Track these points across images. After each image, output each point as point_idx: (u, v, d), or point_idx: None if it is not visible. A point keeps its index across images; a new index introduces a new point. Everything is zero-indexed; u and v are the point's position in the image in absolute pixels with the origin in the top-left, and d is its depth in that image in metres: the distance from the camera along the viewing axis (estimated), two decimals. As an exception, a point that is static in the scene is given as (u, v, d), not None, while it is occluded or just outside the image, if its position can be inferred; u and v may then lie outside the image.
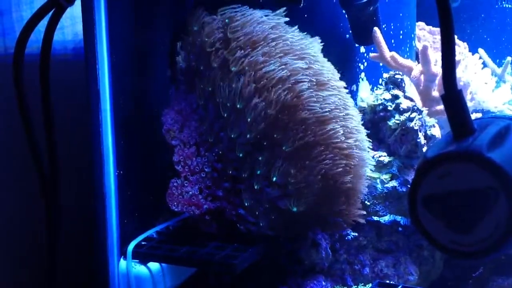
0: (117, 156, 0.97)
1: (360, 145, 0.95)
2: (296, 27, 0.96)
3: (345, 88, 0.99)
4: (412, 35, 1.28)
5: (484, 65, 1.57)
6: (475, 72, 1.15)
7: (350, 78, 1.08)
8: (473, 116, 1.09)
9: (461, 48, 1.68)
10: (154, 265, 1.02)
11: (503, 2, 1.64)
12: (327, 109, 0.90)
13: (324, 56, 0.98)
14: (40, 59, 0.90)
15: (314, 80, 0.90)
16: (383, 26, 1.11)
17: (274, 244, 0.98)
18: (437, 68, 1.06)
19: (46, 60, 0.90)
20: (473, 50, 1.61)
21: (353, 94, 1.10)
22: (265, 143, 0.92)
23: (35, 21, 0.89)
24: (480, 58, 1.61)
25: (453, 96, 0.67)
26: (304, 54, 0.92)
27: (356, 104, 1.08)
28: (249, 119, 0.91)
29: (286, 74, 0.89)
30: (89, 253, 1.01)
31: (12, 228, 1.03)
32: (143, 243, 1.02)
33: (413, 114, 0.99)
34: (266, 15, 0.95)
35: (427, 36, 1.72)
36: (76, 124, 1.01)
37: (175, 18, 1.04)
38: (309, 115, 0.88)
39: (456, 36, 1.62)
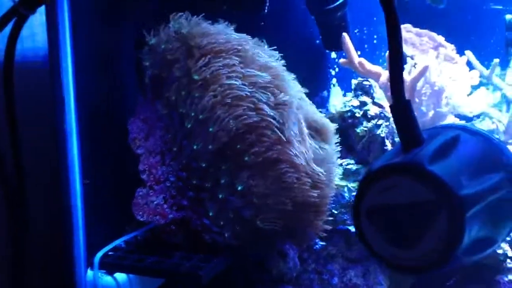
0: (83, 165, 0.98)
1: (328, 159, 0.95)
2: (257, 39, 0.97)
3: (317, 95, 1.00)
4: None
5: (471, 67, 1.57)
6: (451, 77, 1.15)
7: (321, 84, 1.09)
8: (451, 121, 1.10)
9: (448, 50, 1.68)
10: (121, 276, 1.03)
11: (491, 4, 1.64)
12: (290, 129, 0.90)
13: (294, 62, 0.99)
14: (3, 68, 0.92)
15: (277, 99, 0.91)
16: (356, 31, 1.11)
17: (240, 254, 0.98)
18: (405, 74, 1.06)
19: (9, 69, 0.92)
20: (460, 52, 1.61)
21: (325, 100, 1.11)
22: (228, 153, 0.93)
23: None
24: (468, 60, 1.62)
25: (400, 107, 0.68)
26: (267, 67, 0.92)
27: (327, 110, 1.09)
28: (211, 130, 0.91)
29: (249, 90, 0.89)
30: (56, 263, 1.02)
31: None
32: (110, 253, 1.04)
33: (380, 121, 1.00)
34: (228, 26, 0.96)
35: (413, 39, 1.72)
36: (45, 133, 1.02)
37: (140, 24, 1.05)
38: (272, 133, 0.89)
39: (443, 38, 1.63)
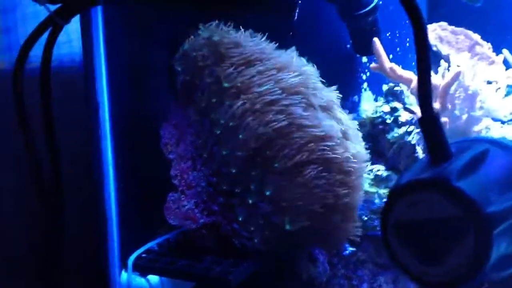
0: (118, 170, 1.02)
1: (359, 161, 0.96)
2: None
3: (347, 99, 1.01)
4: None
5: (508, 66, 1.54)
6: (486, 77, 1.14)
7: (351, 88, 1.09)
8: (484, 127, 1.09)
9: (484, 48, 1.66)
10: (153, 278, 1.06)
11: (529, 1, 1.61)
12: (320, 130, 0.91)
13: (324, 67, 1.00)
14: (40, 75, 0.95)
15: (309, 101, 0.92)
16: (387, 35, 1.11)
17: (270, 258, 1.00)
18: (436, 79, 1.06)
19: (46, 76, 0.95)
20: (497, 50, 1.59)
21: (355, 105, 1.11)
22: (258, 159, 0.94)
23: (33, 39, 0.95)
24: (505, 58, 1.59)
25: (429, 120, 0.68)
26: (300, 74, 0.94)
27: (358, 114, 1.09)
28: (240, 137, 0.93)
29: (279, 94, 0.91)
30: (91, 266, 1.06)
31: (14, 237, 1.08)
32: (143, 255, 1.06)
33: (411, 128, 0.99)
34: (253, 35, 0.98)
35: (449, 37, 1.71)
36: (81, 137, 1.05)
37: (172, 31, 1.07)
38: (303, 135, 0.90)
39: (479, 36, 1.61)
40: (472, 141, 0.74)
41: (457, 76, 1.06)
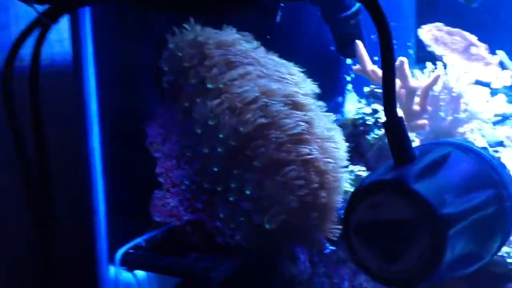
0: (106, 167, 1.05)
1: (338, 162, 0.99)
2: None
3: (332, 100, 1.04)
4: (409, 44, 1.30)
5: (503, 67, 1.56)
6: (470, 82, 1.17)
7: (336, 89, 1.12)
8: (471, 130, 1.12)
9: (480, 49, 1.67)
10: (140, 273, 1.10)
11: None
12: (300, 129, 0.95)
13: (309, 68, 1.03)
14: (30, 74, 0.98)
15: (289, 101, 0.95)
16: (372, 37, 1.14)
17: (252, 256, 1.03)
18: (416, 82, 1.09)
19: (35, 76, 0.98)
20: (493, 52, 1.61)
21: (339, 106, 1.14)
22: (238, 157, 0.98)
23: (23, 39, 0.97)
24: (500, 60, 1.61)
25: (393, 124, 0.71)
26: (280, 76, 0.97)
27: (343, 115, 1.12)
28: (220, 136, 0.97)
29: (259, 95, 0.94)
30: (80, 260, 1.09)
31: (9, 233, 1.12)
32: (131, 251, 1.10)
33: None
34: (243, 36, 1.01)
35: (445, 37, 1.73)
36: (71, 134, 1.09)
37: (159, 32, 1.10)
38: (281, 134, 0.93)
39: (475, 37, 1.64)
40: (437, 144, 0.77)
41: (436, 79, 1.09)
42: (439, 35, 1.72)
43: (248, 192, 0.98)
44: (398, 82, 1.09)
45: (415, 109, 1.12)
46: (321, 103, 1.01)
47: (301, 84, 0.99)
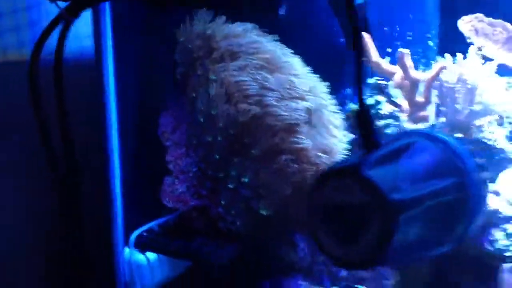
0: (123, 156, 1.12)
1: (334, 152, 1.02)
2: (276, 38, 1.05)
3: (340, 92, 1.06)
4: (429, 35, 1.30)
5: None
6: (487, 74, 1.16)
7: (344, 81, 1.14)
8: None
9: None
10: (152, 255, 1.17)
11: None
12: (295, 118, 0.98)
13: (317, 60, 1.06)
14: (54, 68, 1.06)
15: (287, 92, 0.99)
16: (385, 29, 1.15)
17: (252, 242, 1.08)
18: (417, 73, 1.09)
19: (59, 69, 1.06)
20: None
21: (348, 98, 1.16)
22: (236, 146, 1.03)
23: (47, 34, 1.06)
24: None
25: (361, 113, 0.74)
26: (280, 67, 1.01)
27: (349, 107, 1.14)
28: (220, 125, 1.02)
29: (255, 85, 0.99)
30: (98, 241, 1.18)
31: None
32: (144, 234, 1.18)
33: (390, 120, 1.04)
34: (247, 28, 1.06)
35: (486, 29, 1.69)
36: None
37: (176, 26, 1.17)
38: (276, 122, 0.97)
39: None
40: (407, 134, 0.79)
41: (439, 71, 1.09)
42: (479, 26, 1.69)
43: (245, 180, 1.03)
44: (399, 74, 1.10)
45: (419, 101, 1.12)
46: (325, 94, 1.04)
47: (302, 75, 1.02)
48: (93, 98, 1.13)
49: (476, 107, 1.17)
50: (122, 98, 1.11)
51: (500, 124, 1.26)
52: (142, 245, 1.16)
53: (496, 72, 1.26)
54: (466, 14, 1.49)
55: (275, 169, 0.99)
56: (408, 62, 1.10)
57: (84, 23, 1.04)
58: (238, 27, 1.09)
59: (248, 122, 1.00)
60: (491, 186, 1.09)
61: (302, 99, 1.01)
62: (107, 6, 1.10)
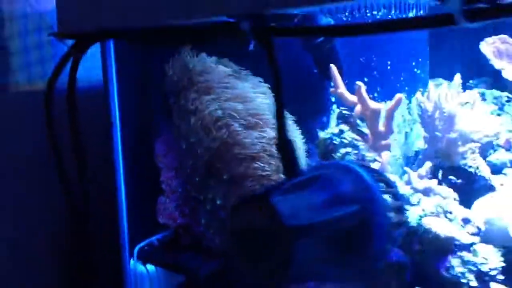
0: (127, 176, 1.26)
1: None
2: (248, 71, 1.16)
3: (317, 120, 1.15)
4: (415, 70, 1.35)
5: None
6: (462, 101, 1.20)
7: (320, 109, 1.22)
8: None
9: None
10: (151, 267, 1.30)
11: None
12: (258, 147, 1.08)
13: (293, 90, 1.15)
14: (67, 96, 1.19)
15: (252, 120, 1.09)
16: (361, 59, 1.22)
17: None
18: (375, 104, 1.15)
19: (72, 96, 1.19)
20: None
21: (325, 125, 1.24)
22: (212, 170, 1.14)
23: (60, 68, 1.20)
24: None
25: (281, 145, 0.83)
26: (248, 99, 1.11)
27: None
28: (198, 151, 1.13)
29: (224, 116, 1.10)
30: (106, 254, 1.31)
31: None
32: (145, 248, 1.31)
33: (349, 149, 1.10)
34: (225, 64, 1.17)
35: (510, 50, 1.72)
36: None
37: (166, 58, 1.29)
38: (241, 150, 1.08)
39: None
40: (323, 165, 0.87)
41: (398, 101, 1.14)
42: (503, 48, 1.71)
43: (219, 202, 1.13)
44: (359, 106, 1.16)
45: (380, 130, 1.17)
46: (291, 122, 1.13)
47: (267, 105, 1.12)
48: (100, 125, 1.27)
49: (452, 135, 1.21)
50: (126, 125, 1.25)
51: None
52: (143, 258, 1.29)
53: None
54: (455, 41, 1.52)
55: (241, 194, 1.09)
56: (364, 93, 1.15)
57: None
58: (213, 63, 1.20)
59: (219, 148, 1.11)
60: (465, 213, 1.13)
61: (265, 127, 1.10)
62: (111, 44, 1.24)
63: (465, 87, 1.43)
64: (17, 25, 1.36)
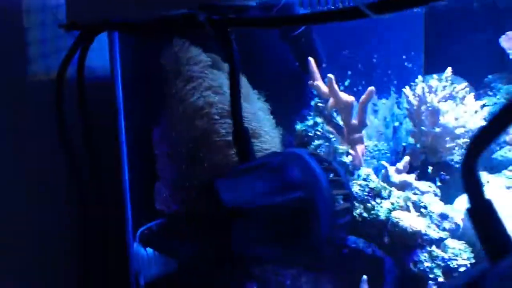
0: (130, 165, 1.33)
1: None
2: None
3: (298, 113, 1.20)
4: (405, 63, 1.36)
5: None
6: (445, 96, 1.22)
7: (301, 102, 1.26)
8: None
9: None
10: (150, 250, 1.38)
11: None
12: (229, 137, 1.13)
13: (274, 83, 1.20)
14: (77, 84, 1.28)
15: (225, 109, 1.15)
16: (345, 52, 1.25)
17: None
18: (347, 96, 1.17)
19: (81, 84, 1.28)
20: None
21: (305, 118, 1.26)
22: (196, 158, 1.20)
23: (70, 57, 1.28)
24: None
25: (236, 134, 0.89)
26: (222, 88, 1.17)
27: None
28: (184, 139, 1.20)
29: (203, 105, 1.16)
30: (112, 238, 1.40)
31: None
32: (145, 231, 1.39)
33: (321, 141, 1.13)
34: (205, 54, 1.23)
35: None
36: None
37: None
38: (218, 138, 1.13)
39: None
40: (274, 153, 0.92)
41: (370, 93, 1.16)
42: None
43: (202, 189, 1.19)
44: (332, 100, 1.19)
45: (353, 123, 1.19)
46: (264, 113, 1.18)
47: (245, 97, 1.17)
48: (105, 116, 1.34)
49: (436, 129, 1.23)
50: (129, 114, 1.33)
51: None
52: (144, 241, 1.36)
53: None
54: (452, 35, 1.52)
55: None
56: (335, 86, 1.18)
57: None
58: (197, 53, 1.26)
59: (200, 137, 1.17)
60: (443, 209, 1.14)
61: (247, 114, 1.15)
62: (116, 35, 1.32)
63: (480, 83, 1.43)
64: (34, 18, 1.46)
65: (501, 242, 0.52)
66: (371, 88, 1.17)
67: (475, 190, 0.52)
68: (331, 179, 0.87)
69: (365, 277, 1.02)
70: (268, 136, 1.12)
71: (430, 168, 1.27)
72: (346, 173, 1.07)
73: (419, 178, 1.23)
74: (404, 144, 1.33)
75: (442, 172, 1.27)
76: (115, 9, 1.19)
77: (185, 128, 1.19)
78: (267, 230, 0.83)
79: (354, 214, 1.05)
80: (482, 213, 0.54)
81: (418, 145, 1.29)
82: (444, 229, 1.09)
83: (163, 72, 1.31)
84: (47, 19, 1.49)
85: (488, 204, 0.54)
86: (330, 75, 1.18)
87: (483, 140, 0.48)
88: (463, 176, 0.50)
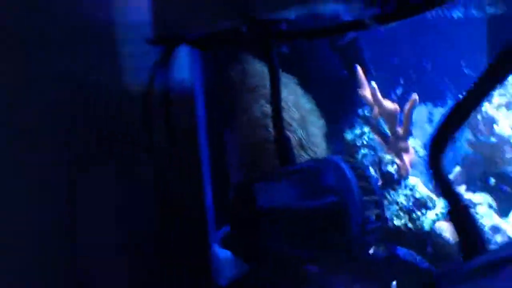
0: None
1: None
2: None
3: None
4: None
5: None
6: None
7: (351, 111, 1.31)
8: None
9: None
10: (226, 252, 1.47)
11: None
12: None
13: (324, 91, 1.26)
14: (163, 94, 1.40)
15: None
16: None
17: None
18: (391, 104, 1.19)
19: (167, 97, 1.39)
20: None
21: (355, 122, 1.30)
22: (255, 167, 1.28)
23: (155, 71, 1.39)
24: None
25: (279, 138, 0.96)
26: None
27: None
28: (245, 148, 1.29)
29: (263, 115, 1.24)
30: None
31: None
32: (224, 234, 1.48)
33: (367, 150, 1.17)
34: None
35: None
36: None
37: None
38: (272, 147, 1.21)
39: None
40: (312, 160, 0.97)
41: (414, 102, 1.17)
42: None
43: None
44: (376, 108, 1.21)
45: (398, 132, 1.21)
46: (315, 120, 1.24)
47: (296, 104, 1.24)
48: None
49: (492, 139, 1.23)
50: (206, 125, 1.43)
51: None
52: (222, 243, 1.46)
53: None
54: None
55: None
56: (379, 95, 1.20)
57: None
58: (259, 65, 1.35)
59: (260, 146, 1.25)
60: (497, 221, 1.14)
61: (294, 128, 1.22)
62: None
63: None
64: (129, 33, 1.58)
65: (474, 245, 0.55)
66: (414, 95, 1.19)
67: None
68: (361, 186, 0.91)
69: (394, 283, 1.04)
70: (316, 148, 1.19)
71: (492, 180, 1.27)
72: (387, 182, 1.10)
73: (479, 189, 1.23)
74: (463, 153, 1.34)
75: (502, 183, 1.26)
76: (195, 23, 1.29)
77: (247, 137, 1.28)
78: (300, 232, 0.88)
79: (399, 224, 1.08)
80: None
81: (477, 156, 1.29)
82: (496, 243, 1.09)
83: (230, 83, 1.41)
84: (139, 34, 1.61)
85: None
86: (373, 84, 1.21)
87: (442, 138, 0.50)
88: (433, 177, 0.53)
